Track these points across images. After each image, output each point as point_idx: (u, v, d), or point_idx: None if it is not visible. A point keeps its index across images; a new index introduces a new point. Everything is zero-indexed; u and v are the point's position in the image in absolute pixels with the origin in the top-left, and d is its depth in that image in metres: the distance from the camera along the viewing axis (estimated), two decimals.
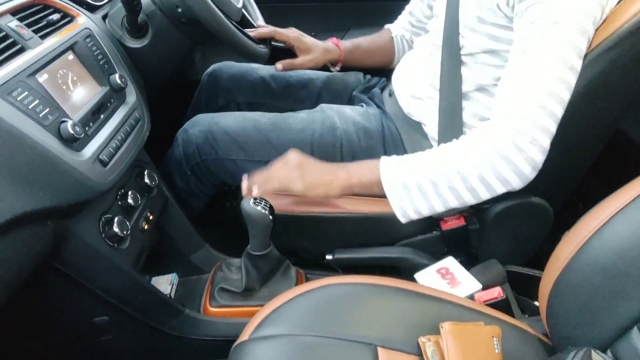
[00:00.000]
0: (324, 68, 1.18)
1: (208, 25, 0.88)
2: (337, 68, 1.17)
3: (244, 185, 0.86)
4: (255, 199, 0.84)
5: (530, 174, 0.73)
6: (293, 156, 0.84)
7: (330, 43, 1.13)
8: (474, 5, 0.83)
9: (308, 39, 1.09)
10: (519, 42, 0.73)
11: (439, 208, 0.77)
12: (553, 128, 0.72)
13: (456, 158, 0.75)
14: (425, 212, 0.78)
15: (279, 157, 0.98)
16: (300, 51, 1.08)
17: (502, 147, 0.72)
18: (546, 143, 0.72)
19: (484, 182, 0.73)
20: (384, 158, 0.81)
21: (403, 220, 0.80)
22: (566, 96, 0.71)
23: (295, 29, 1.12)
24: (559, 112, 0.71)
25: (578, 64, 0.71)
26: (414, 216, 0.79)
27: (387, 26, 1.20)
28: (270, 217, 0.84)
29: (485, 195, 0.75)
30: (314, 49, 1.08)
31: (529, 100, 0.70)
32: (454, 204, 0.77)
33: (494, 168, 0.72)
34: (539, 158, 0.72)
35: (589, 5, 0.70)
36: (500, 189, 0.75)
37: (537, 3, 0.70)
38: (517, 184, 0.74)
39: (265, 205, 0.84)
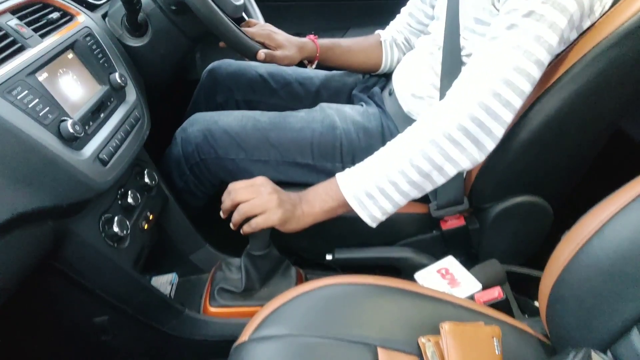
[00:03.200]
0: (324, 67, 1.17)
1: (197, 13, 0.87)
2: (313, 66, 1.14)
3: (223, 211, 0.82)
4: None
5: (479, 156, 0.74)
6: (265, 182, 0.81)
7: (307, 39, 1.10)
8: (471, 7, 0.83)
9: (281, 36, 1.06)
10: (492, 28, 0.74)
11: (402, 202, 0.78)
12: (507, 117, 0.72)
13: (406, 149, 0.75)
14: (391, 210, 0.79)
15: (279, 156, 0.98)
16: (273, 49, 1.05)
17: (447, 129, 0.72)
18: (497, 130, 0.72)
19: (435, 166, 0.74)
20: (337, 176, 0.80)
21: (373, 225, 0.80)
22: (526, 88, 0.71)
23: (270, 25, 1.09)
24: (516, 102, 0.72)
25: (545, 58, 0.71)
26: (382, 218, 0.79)
27: (377, 31, 1.19)
28: None
29: (440, 180, 0.76)
30: (287, 45, 1.05)
31: (484, 85, 0.71)
32: (415, 194, 0.78)
33: (443, 151, 0.73)
34: (489, 143, 0.73)
35: (564, 2, 0.69)
36: (453, 171, 0.75)
37: None
38: (466, 164, 0.75)
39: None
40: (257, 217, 0.78)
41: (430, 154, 0.74)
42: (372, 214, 0.78)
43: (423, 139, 0.74)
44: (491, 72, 0.71)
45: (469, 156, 0.74)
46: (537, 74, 0.72)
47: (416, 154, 0.74)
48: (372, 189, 0.77)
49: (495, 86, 0.71)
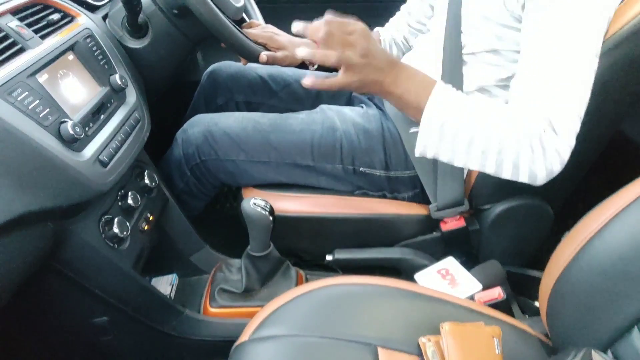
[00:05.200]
0: (324, 68, 1.17)
1: (200, 17, 0.88)
2: (315, 66, 1.14)
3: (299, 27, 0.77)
4: (255, 200, 0.84)
5: (555, 169, 0.72)
6: (362, 33, 0.72)
7: (309, 40, 1.11)
8: (479, 3, 0.83)
9: (283, 38, 1.07)
10: (541, 36, 0.72)
11: (458, 163, 0.74)
12: (578, 126, 0.72)
13: (504, 128, 0.71)
14: (444, 159, 0.75)
15: (279, 157, 0.98)
16: (274, 50, 1.06)
17: (538, 138, 0.70)
18: (572, 141, 0.71)
19: (515, 164, 0.71)
20: (438, 87, 0.74)
21: (417, 154, 0.76)
22: (588, 97, 0.71)
23: (272, 26, 1.10)
24: (583, 111, 0.72)
25: (596, 66, 0.72)
26: (429, 156, 0.75)
27: (376, 29, 1.19)
28: (270, 218, 0.84)
29: (507, 175, 0.73)
30: (288, 46, 1.06)
31: (565, 101, 0.70)
32: (474, 167, 0.74)
33: (532, 157, 0.70)
34: (566, 155, 0.71)
35: (606, 6, 0.70)
36: (524, 179, 0.72)
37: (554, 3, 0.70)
38: (541, 179, 0.72)
39: (266, 206, 0.83)
40: (337, 76, 0.73)
41: (520, 152, 0.70)
42: (426, 145, 0.74)
43: (520, 133, 0.70)
44: (570, 84, 0.70)
45: (549, 172, 0.71)
46: (595, 62, 0.71)
47: (509, 140, 0.70)
48: (449, 127, 0.72)
49: (574, 101, 0.70)
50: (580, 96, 0.70)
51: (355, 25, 0.72)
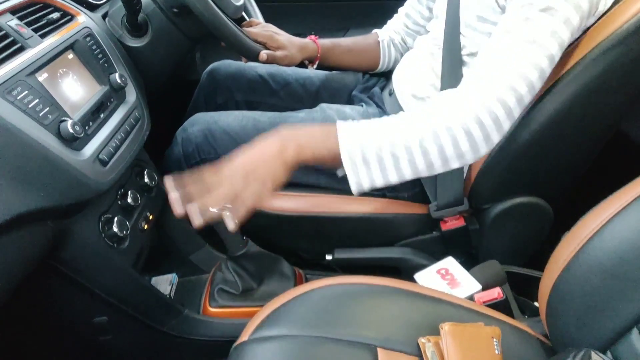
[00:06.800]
0: (324, 67, 1.17)
1: (200, 16, 0.88)
2: (314, 66, 1.14)
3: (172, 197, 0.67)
4: None
5: (483, 151, 0.71)
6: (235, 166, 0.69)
7: (308, 40, 1.11)
8: (474, 3, 0.83)
9: (282, 37, 1.07)
10: (505, 21, 0.73)
11: (393, 181, 0.73)
12: (517, 113, 0.71)
13: (418, 129, 0.71)
14: (380, 184, 0.73)
15: None
16: (274, 49, 1.05)
17: (466, 120, 0.69)
18: (506, 125, 0.71)
19: (442, 155, 0.70)
20: (340, 126, 0.72)
21: (355, 193, 0.73)
22: (537, 84, 0.71)
23: (272, 25, 1.10)
24: (527, 98, 0.71)
25: (557, 55, 0.71)
26: (367, 189, 0.73)
27: (374, 30, 1.19)
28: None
29: (439, 169, 0.72)
30: (288, 46, 1.06)
31: (501, 79, 0.69)
32: (406, 177, 0.73)
33: (455, 141, 0.70)
34: (496, 138, 0.71)
35: None
36: (455, 164, 0.72)
37: None
38: (470, 158, 0.72)
39: (225, 206, 0.83)
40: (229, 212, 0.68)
41: (442, 140, 0.69)
42: (360, 181, 0.72)
43: (438, 124, 0.70)
44: (508, 65, 0.69)
45: (476, 151, 0.71)
46: (548, 70, 0.71)
47: (428, 137, 0.70)
48: (371, 155, 0.70)
49: (513, 81, 0.69)
50: (520, 74, 0.69)
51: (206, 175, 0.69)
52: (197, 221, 0.66)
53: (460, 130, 0.69)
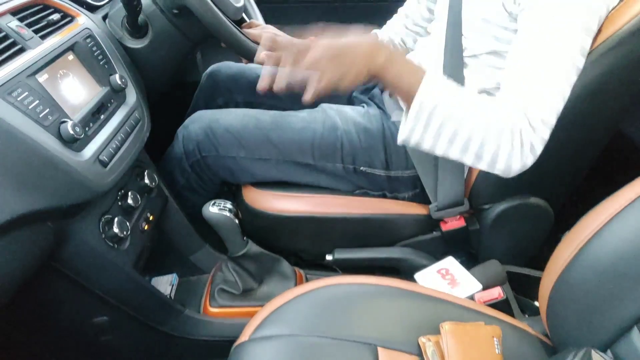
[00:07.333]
0: None
1: (200, 17, 0.88)
2: None
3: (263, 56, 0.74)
4: (216, 202, 0.83)
5: (528, 163, 0.72)
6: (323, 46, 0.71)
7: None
8: (479, 6, 0.83)
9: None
10: (527, 33, 0.73)
11: (439, 152, 0.74)
12: (554, 121, 0.72)
13: (488, 121, 0.71)
14: (425, 147, 0.74)
15: (279, 155, 0.98)
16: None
17: (518, 132, 0.70)
18: (547, 135, 0.72)
19: (494, 158, 0.72)
20: (428, 75, 0.72)
21: (400, 141, 0.75)
22: (567, 94, 0.72)
23: (272, 26, 1.09)
24: (561, 107, 0.72)
25: (582, 64, 0.72)
26: (411, 144, 0.75)
27: (373, 31, 1.19)
28: (233, 217, 0.84)
29: (483, 167, 0.74)
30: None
31: (544, 96, 0.70)
32: (453, 156, 0.74)
33: (510, 151, 0.71)
34: (539, 150, 0.72)
35: (595, 5, 0.70)
36: (498, 171, 0.73)
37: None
38: (514, 172, 0.73)
39: (225, 207, 0.83)
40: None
41: (500, 156, 0.71)
42: (411, 132, 0.73)
43: (501, 127, 0.70)
44: (547, 84, 0.70)
45: (517, 163, 0.72)
46: (575, 79, 0.72)
47: (490, 140, 0.70)
48: (437, 118, 0.71)
49: (553, 98, 0.70)
50: (558, 91, 0.71)
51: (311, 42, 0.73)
52: (282, 84, 0.71)
53: (518, 143, 0.70)
